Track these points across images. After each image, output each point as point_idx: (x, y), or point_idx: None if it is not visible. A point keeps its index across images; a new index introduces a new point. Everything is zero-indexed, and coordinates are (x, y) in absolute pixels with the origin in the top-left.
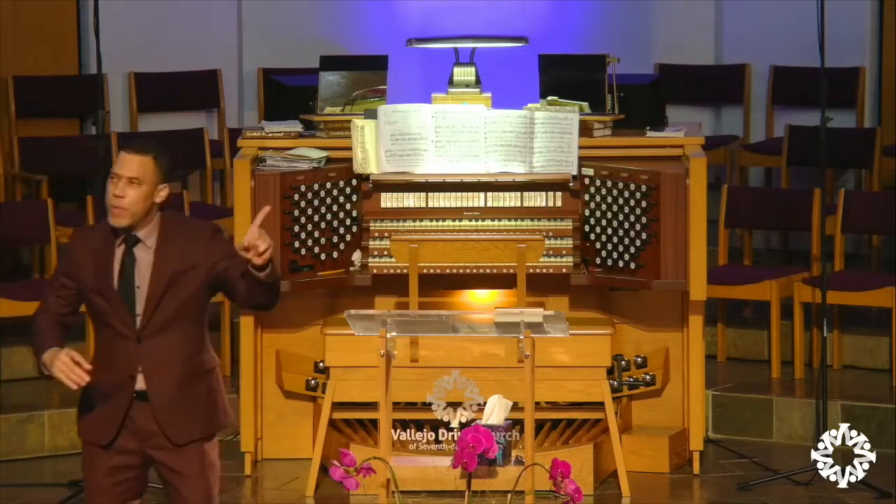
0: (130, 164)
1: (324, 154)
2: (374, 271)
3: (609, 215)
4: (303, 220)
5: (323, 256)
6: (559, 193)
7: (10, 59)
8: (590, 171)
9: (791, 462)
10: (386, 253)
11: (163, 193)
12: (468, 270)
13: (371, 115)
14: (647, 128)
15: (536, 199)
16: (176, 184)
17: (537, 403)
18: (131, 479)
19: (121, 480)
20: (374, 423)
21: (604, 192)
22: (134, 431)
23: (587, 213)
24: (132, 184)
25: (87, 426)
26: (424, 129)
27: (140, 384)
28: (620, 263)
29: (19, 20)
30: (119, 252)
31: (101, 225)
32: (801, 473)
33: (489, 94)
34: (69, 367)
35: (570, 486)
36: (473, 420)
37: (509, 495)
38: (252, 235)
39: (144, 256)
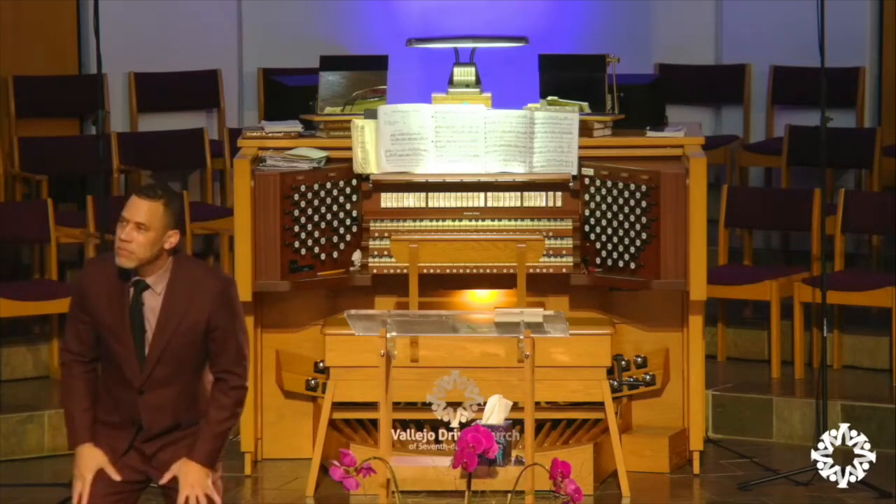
0: (139, 210)
1: (324, 154)
2: (374, 271)
3: (609, 215)
4: (303, 220)
5: (323, 256)
6: (559, 193)
7: (10, 59)
8: (590, 171)
9: (791, 462)
10: (386, 253)
11: (173, 239)
12: (468, 270)
13: (371, 115)
14: (647, 128)
15: (536, 199)
16: (175, 183)
17: (537, 403)
18: (127, 492)
19: (116, 491)
20: (374, 423)
21: (604, 192)
22: (139, 451)
23: (587, 213)
24: (139, 229)
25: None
26: (424, 129)
27: (139, 425)
28: (620, 263)
29: (19, 20)
30: (130, 293)
31: (109, 258)
32: (801, 473)
33: (489, 94)
34: (84, 491)
35: (570, 486)
36: (473, 420)
37: (509, 495)
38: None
39: (153, 303)
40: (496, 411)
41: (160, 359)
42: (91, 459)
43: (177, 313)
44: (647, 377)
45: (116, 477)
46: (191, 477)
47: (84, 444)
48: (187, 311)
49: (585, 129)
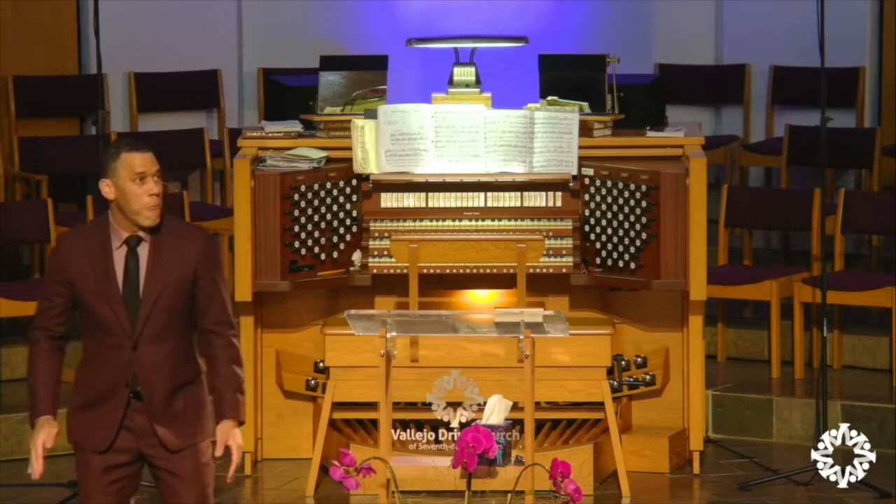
0: (151, 161)
1: (324, 154)
2: (374, 271)
3: (609, 215)
4: (303, 220)
5: (323, 256)
6: (559, 193)
7: (10, 59)
8: (590, 171)
9: (791, 462)
10: (386, 253)
11: None
12: (468, 270)
13: (371, 115)
14: (647, 128)
15: (536, 199)
16: (175, 183)
17: (537, 403)
18: (127, 476)
19: (116, 479)
20: (374, 423)
21: (604, 192)
22: (130, 430)
23: (587, 213)
24: (158, 178)
25: (82, 432)
26: (424, 129)
27: (136, 388)
28: (620, 263)
29: (19, 20)
30: (120, 254)
31: (88, 227)
32: (801, 473)
33: (489, 94)
34: (35, 459)
35: (570, 486)
36: (473, 420)
37: (509, 495)
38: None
39: (143, 256)
40: (496, 411)
41: (153, 309)
42: (41, 430)
43: (167, 263)
44: (647, 377)
45: (50, 444)
46: (238, 438)
47: (43, 416)
48: (176, 260)
49: (585, 129)
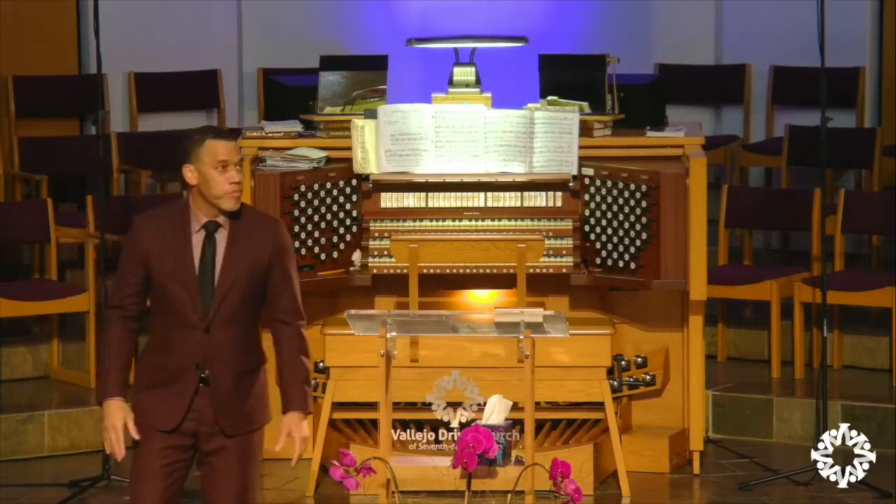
0: (234, 150)
1: (324, 154)
2: (374, 271)
3: (609, 215)
4: (303, 220)
5: (323, 256)
6: (559, 193)
7: (10, 59)
8: (590, 171)
9: (791, 462)
10: (386, 253)
11: None
12: (468, 270)
13: (371, 115)
14: (647, 128)
15: (536, 199)
16: (175, 184)
17: (537, 403)
18: (181, 461)
19: (171, 461)
20: (374, 423)
21: (604, 192)
22: (193, 413)
23: (587, 213)
24: (239, 167)
25: (148, 410)
26: (424, 129)
27: (204, 372)
28: (620, 263)
29: (19, 20)
30: (198, 238)
31: (166, 210)
32: (801, 473)
33: (489, 94)
34: (117, 441)
35: (570, 486)
36: (473, 420)
37: (509, 495)
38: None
39: (220, 242)
40: (496, 411)
41: (227, 295)
42: (119, 410)
43: (243, 250)
44: (647, 377)
45: (135, 436)
46: (304, 430)
47: (113, 398)
48: (252, 248)
49: (585, 129)
